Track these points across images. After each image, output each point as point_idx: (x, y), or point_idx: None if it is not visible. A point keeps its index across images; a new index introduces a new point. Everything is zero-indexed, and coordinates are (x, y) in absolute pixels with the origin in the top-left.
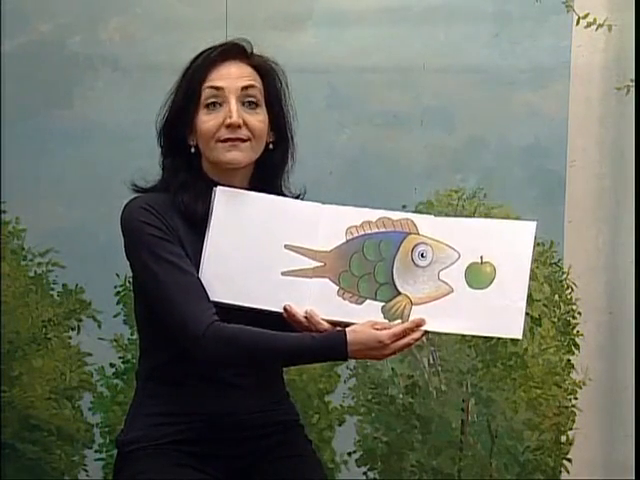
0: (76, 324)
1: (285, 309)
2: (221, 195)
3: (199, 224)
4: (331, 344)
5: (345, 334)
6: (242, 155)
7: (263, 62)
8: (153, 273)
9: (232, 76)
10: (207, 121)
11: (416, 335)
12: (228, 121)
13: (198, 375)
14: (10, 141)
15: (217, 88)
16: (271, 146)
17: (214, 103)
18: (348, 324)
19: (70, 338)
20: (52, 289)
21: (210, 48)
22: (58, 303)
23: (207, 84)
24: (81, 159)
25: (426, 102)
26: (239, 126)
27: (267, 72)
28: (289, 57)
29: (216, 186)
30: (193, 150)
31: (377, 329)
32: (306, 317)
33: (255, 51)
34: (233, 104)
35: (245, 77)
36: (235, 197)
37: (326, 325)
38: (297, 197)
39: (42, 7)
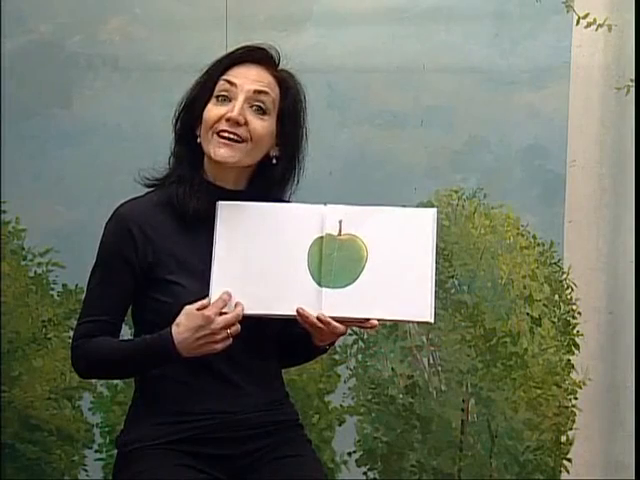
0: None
1: (298, 312)
2: (223, 210)
3: (192, 221)
4: (158, 339)
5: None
6: (232, 155)
7: (288, 77)
8: (89, 281)
9: (249, 77)
10: (211, 110)
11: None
12: (229, 115)
13: (198, 375)
14: (10, 141)
15: (230, 83)
16: (274, 160)
17: (225, 97)
18: (361, 320)
19: (70, 338)
20: (52, 289)
21: (240, 47)
22: (58, 303)
23: (223, 77)
24: (81, 159)
25: (426, 102)
26: (238, 123)
27: (288, 88)
28: (289, 57)
29: (209, 184)
30: (199, 140)
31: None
32: (319, 319)
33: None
34: (239, 101)
35: (261, 82)
36: (236, 210)
37: (341, 327)
38: None
39: (42, 7)
